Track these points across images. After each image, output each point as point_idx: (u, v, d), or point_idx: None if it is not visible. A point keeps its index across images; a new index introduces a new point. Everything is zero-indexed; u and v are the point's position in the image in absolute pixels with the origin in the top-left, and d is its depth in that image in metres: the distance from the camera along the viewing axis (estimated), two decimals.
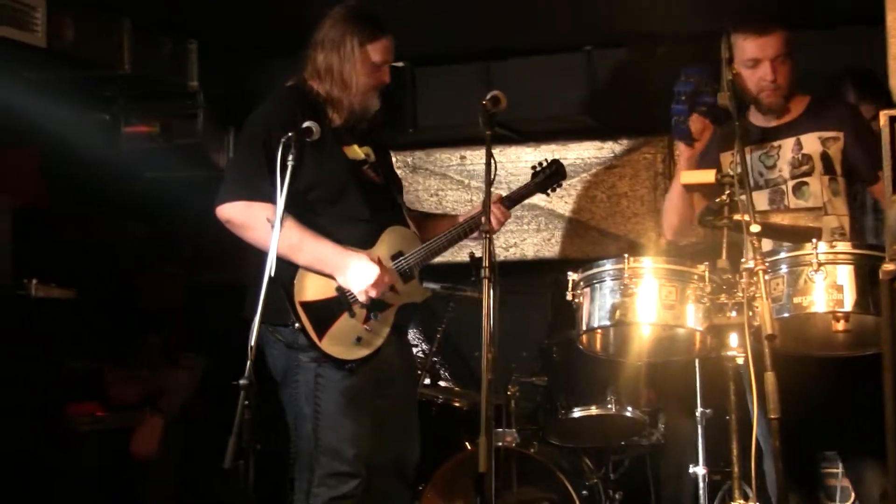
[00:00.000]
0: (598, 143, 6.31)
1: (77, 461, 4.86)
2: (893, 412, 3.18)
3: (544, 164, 4.35)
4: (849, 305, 3.41)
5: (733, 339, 3.58)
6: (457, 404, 5.35)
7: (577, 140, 6.32)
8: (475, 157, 6.47)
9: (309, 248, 3.81)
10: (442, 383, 5.62)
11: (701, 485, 4.51)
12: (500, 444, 4.84)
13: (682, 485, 5.05)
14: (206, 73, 5.72)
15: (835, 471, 4.91)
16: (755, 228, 3.33)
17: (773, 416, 3.16)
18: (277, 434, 4.09)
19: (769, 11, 4.18)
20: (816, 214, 3.87)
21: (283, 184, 3.49)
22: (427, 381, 5.43)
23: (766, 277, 3.33)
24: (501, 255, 6.26)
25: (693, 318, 3.53)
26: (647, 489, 5.29)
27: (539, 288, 6.08)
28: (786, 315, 3.44)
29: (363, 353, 3.86)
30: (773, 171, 3.97)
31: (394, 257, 3.96)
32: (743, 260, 3.49)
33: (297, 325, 3.77)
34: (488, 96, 3.65)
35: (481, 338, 3.33)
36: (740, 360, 3.58)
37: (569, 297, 3.70)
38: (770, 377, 3.15)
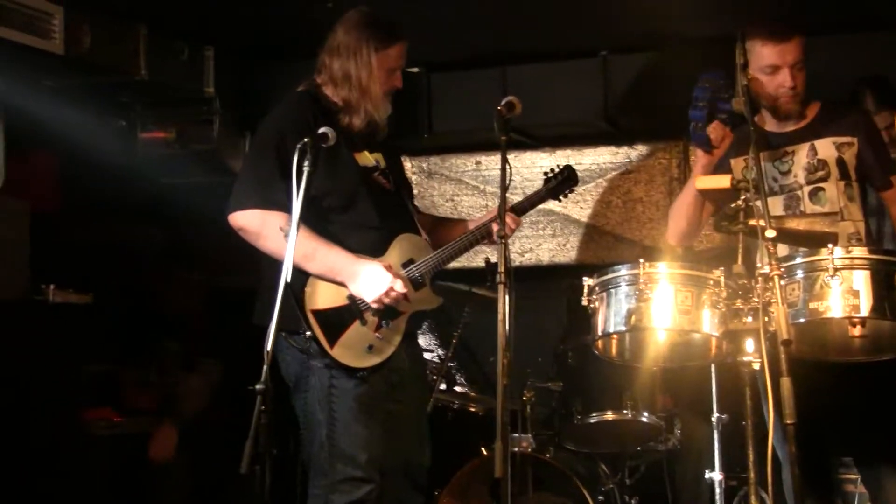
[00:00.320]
0: (613, 149, 6.31)
1: (93, 466, 4.87)
2: None
3: (556, 170, 4.35)
4: (865, 311, 3.39)
5: (749, 344, 3.56)
6: (472, 409, 5.36)
7: (592, 145, 6.32)
8: (490, 163, 6.47)
9: (321, 256, 3.79)
10: (458, 388, 5.63)
11: (717, 490, 4.49)
12: (516, 449, 4.84)
13: (698, 490, 5.04)
14: (222, 79, 5.75)
15: (852, 477, 4.89)
16: (771, 233, 3.33)
17: (788, 422, 3.15)
18: (294, 439, 4.09)
19: (781, 15, 4.18)
20: (832, 219, 3.86)
21: (298, 189, 3.48)
22: (443, 386, 5.43)
23: (782, 282, 3.32)
24: (517, 260, 6.27)
25: (709, 324, 3.52)
26: (664, 495, 5.28)
27: (554, 293, 6.07)
28: (802, 320, 3.43)
29: (374, 361, 3.85)
30: (787, 177, 3.96)
31: (405, 265, 3.94)
32: (759, 265, 3.48)
33: (308, 333, 3.76)
34: (503, 102, 3.66)
35: (497, 343, 3.33)
36: (756, 366, 3.57)
37: (584, 302, 3.69)
38: (786, 382, 3.15)
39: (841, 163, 3.92)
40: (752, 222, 3.46)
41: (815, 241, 3.60)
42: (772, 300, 3.32)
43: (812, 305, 3.42)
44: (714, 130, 3.87)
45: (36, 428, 4.39)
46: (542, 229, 6.38)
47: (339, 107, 3.94)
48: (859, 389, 3.77)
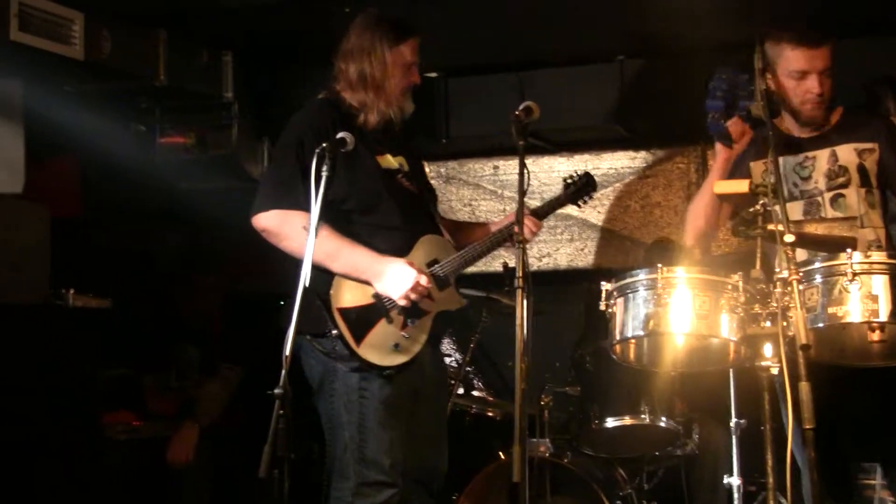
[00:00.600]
0: (630, 153, 6.31)
1: (112, 470, 4.89)
2: None
3: (575, 176, 4.39)
4: (884, 315, 3.38)
5: (767, 349, 3.56)
6: (490, 414, 5.36)
7: (609, 150, 6.32)
8: (508, 167, 6.48)
9: (345, 256, 3.83)
10: (475, 393, 5.63)
11: (735, 496, 4.48)
12: (534, 453, 4.84)
13: (716, 496, 5.03)
14: (241, 85, 5.77)
15: (872, 482, 4.87)
16: (789, 238, 3.32)
17: (807, 427, 3.14)
18: (314, 443, 4.10)
19: (806, 18, 4.16)
20: (851, 224, 3.85)
21: (317, 194, 3.51)
22: (461, 390, 5.43)
23: (801, 287, 3.31)
24: (535, 264, 6.27)
25: (727, 328, 3.52)
26: (681, 500, 5.26)
27: (572, 298, 6.08)
28: (820, 325, 3.42)
29: (401, 359, 3.87)
30: (808, 183, 3.94)
31: (429, 265, 3.97)
32: (777, 270, 3.48)
33: (334, 331, 3.78)
34: (521, 107, 3.67)
35: (515, 347, 3.34)
36: (774, 371, 3.56)
37: (602, 306, 3.69)
38: (804, 387, 3.14)
39: (862, 169, 3.90)
40: (771, 227, 3.45)
41: (834, 246, 3.59)
42: (790, 305, 3.31)
43: (831, 310, 3.41)
44: (734, 125, 3.86)
45: (55, 432, 4.40)
46: (560, 234, 6.38)
47: (358, 110, 3.97)
48: (879, 394, 3.76)
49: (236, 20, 5.32)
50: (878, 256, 3.45)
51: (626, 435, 5.01)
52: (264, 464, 3.22)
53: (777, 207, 3.43)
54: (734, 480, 4.52)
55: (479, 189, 6.54)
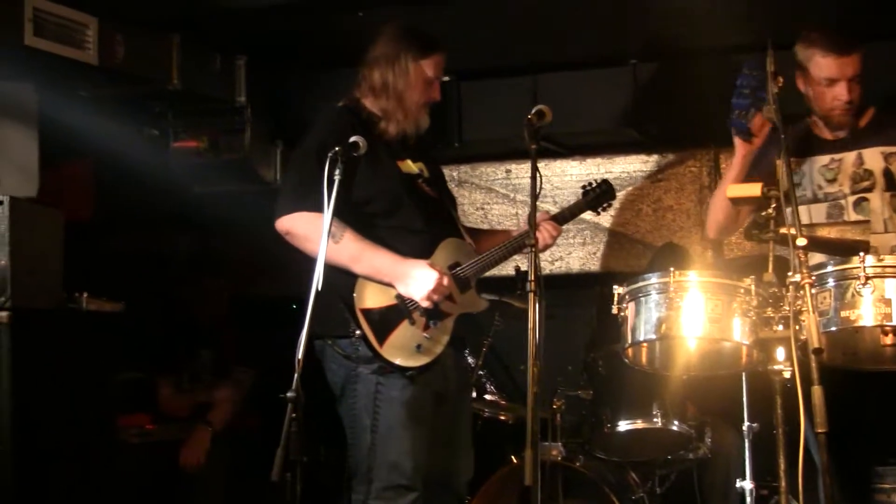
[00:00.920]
0: (643, 157, 6.29)
1: (126, 473, 4.90)
2: None
3: (594, 184, 4.45)
4: None
5: (780, 352, 3.56)
6: (502, 418, 5.35)
7: (622, 153, 6.30)
8: (521, 171, 6.47)
9: (368, 258, 3.86)
10: (488, 396, 5.62)
11: (748, 499, 4.46)
12: (546, 457, 4.83)
13: (728, 499, 5.02)
14: (254, 89, 5.77)
15: (887, 486, 4.86)
16: (801, 242, 3.32)
17: (820, 431, 3.14)
18: (321, 446, 4.10)
19: (811, 20, 4.15)
20: (864, 227, 3.84)
21: (329, 198, 3.53)
22: (473, 394, 5.43)
23: (813, 291, 3.31)
24: (547, 268, 6.26)
25: (739, 332, 3.52)
26: (694, 503, 5.26)
27: (584, 301, 6.06)
28: (833, 329, 3.42)
29: (423, 360, 3.89)
30: (833, 185, 3.93)
31: (451, 268, 4.00)
32: (789, 273, 3.47)
33: (357, 332, 3.80)
34: (533, 111, 3.67)
35: (527, 351, 3.34)
36: (787, 374, 3.56)
37: (614, 310, 3.69)
38: (817, 391, 3.13)
39: (888, 174, 3.90)
40: (783, 230, 3.45)
41: (847, 250, 3.58)
42: (803, 308, 3.31)
43: (843, 314, 3.41)
44: (756, 120, 3.85)
45: (69, 435, 4.41)
46: (572, 237, 6.37)
47: (378, 117, 4.00)
48: (892, 398, 3.75)
49: (250, 24, 5.33)
50: (891, 260, 3.45)
51: (639, 438, 5.01)
52: (277, 467, 3.23)
53: (789, 210, 3.42)
54: (746, 484, 4.50)
55: (491, 193, 6.53)
